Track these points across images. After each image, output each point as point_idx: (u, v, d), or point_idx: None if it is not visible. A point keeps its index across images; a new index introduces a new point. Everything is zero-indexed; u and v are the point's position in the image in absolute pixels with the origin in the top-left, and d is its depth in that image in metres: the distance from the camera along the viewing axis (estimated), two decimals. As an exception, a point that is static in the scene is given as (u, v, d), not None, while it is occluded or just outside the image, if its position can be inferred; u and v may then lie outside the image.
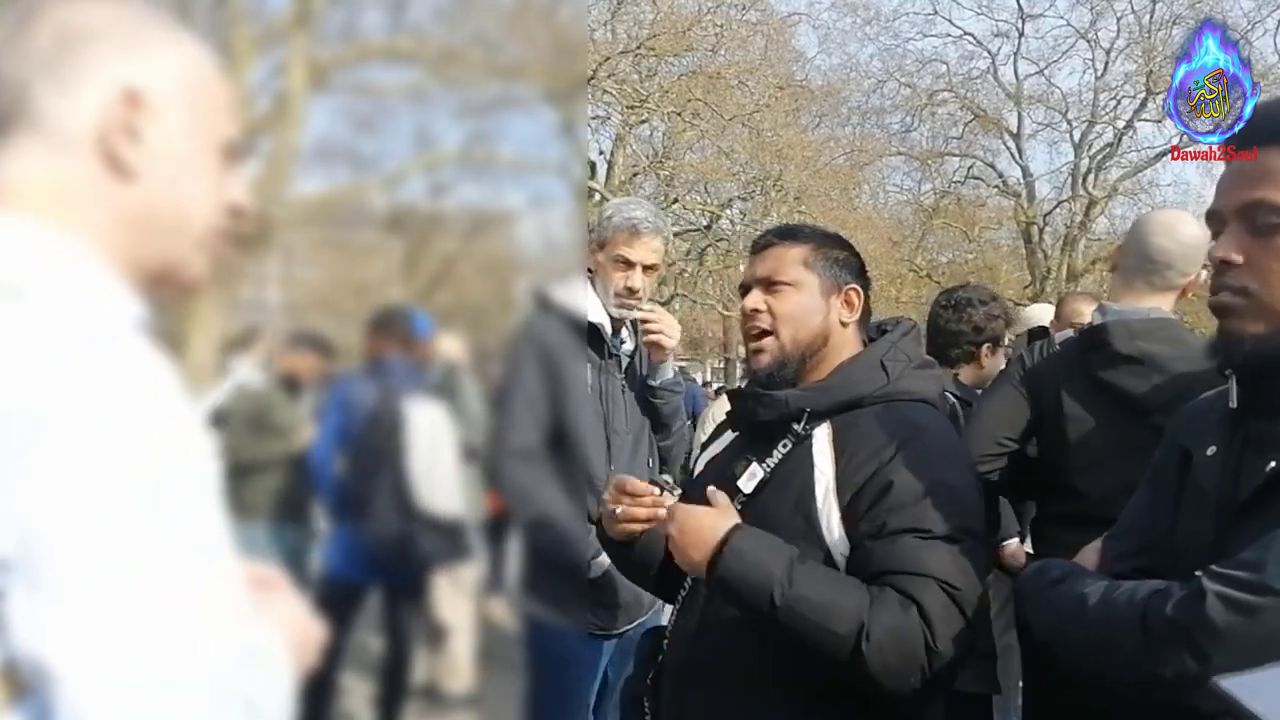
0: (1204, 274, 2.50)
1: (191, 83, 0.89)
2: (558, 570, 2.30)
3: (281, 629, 0.85)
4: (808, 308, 1.67)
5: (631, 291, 2.46)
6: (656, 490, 1.73)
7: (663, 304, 21.37)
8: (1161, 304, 2.45)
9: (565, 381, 2.33)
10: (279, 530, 2.27)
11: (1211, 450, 1.33)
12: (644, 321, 2.51)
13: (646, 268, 2.48)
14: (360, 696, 2.36)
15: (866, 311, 1.74)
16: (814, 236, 1.73)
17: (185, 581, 0.71)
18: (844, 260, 1.72)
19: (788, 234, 1.74)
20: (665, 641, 1.76)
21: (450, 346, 2.33)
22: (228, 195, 0.93)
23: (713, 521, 1.51)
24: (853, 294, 1.70)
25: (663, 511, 1.63)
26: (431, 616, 2.40)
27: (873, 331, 1.76)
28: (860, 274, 1.74)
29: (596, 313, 2.46)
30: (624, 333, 2.56)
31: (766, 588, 1.43)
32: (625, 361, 2.56)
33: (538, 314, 2.38)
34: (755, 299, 1.69)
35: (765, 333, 1.69)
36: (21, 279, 0.76)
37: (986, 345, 3.17)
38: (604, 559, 2.14)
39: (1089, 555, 1.47)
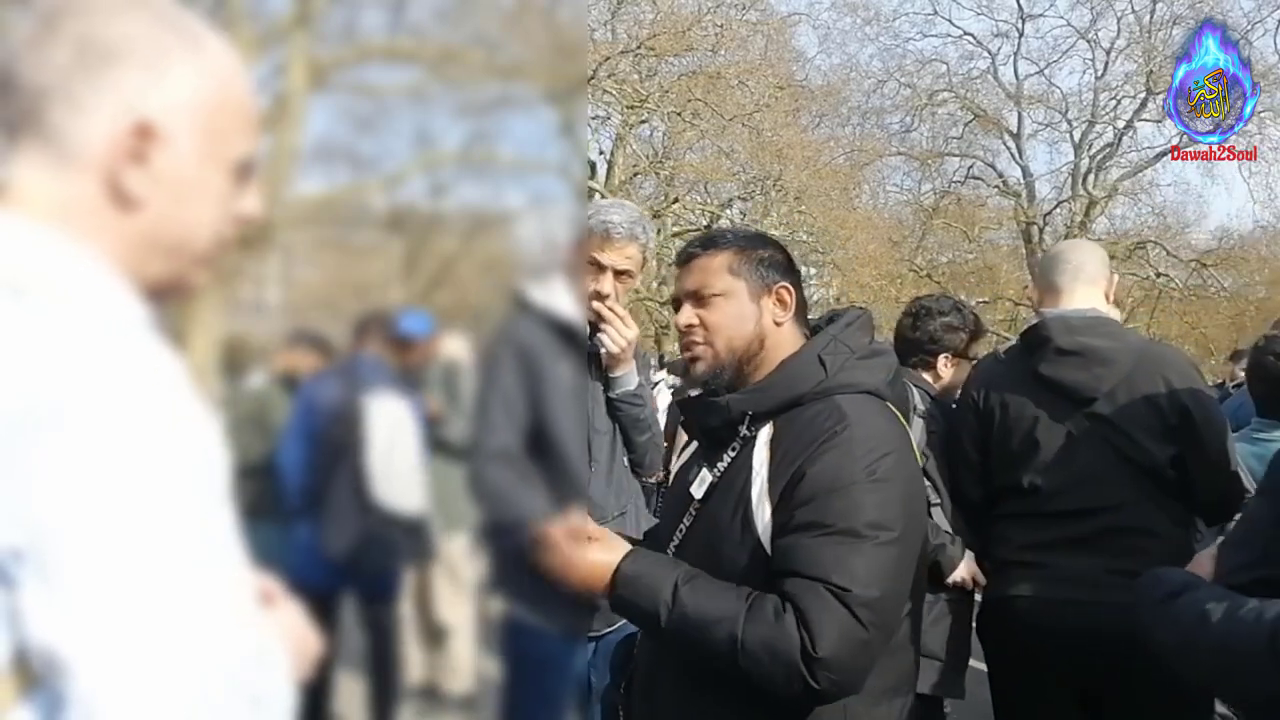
0: (1117, 278, 2.67)
1: (209, 105, 0.87)
2: (536, 572, 2.28)
3: (282, 639, 0.85)
4: (739, 315, 1.66)
5: (599, 296, 2.43)
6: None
7: (663, 303, 21.41)
8: (1094, 302, 2.56)
9: (545, 382, 2.29)
10: (282, 532, 2.26)
11: None
12: (597, 324, 2.42)
13: (618, 273, 2.43)
14: (354, 697, 2.36)
15: (802, 305, 1.72)
16: (735, 241, 1.72)
17: (196, 575, 0.72)
18: (770, 259, 1.70)
19: (709, 243, 1.73)
20: (636, 649, 1.77)
21: (453, 347, 2.33)
22: (237, 207, 0.91)
23: (602, 556, 1.57)
24: (783, 291, 1.68)
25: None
26: (431, 616, 2.39)
27: (823, 322, 1.74)
28: (789, 270, 1.72)
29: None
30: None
31: (654, 610, 1.50)
32: (606, 361, 2.54)
33: (515, 314, 2.34)
34: (687, 314, 1.69)
35: (701, 345, 1.68)
36: (29, 275, 0.76)
37: (944, 356, 3.10)
38: None
39: (1203, 564, 1.44)
